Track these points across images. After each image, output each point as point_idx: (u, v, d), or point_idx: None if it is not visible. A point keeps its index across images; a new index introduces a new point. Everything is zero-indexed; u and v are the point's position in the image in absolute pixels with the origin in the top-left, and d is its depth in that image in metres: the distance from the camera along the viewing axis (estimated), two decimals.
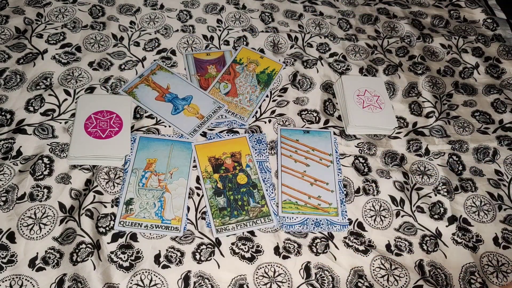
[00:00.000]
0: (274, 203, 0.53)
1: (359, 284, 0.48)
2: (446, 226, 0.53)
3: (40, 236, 0.47)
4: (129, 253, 0.48)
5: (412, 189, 0.56)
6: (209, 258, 0.48)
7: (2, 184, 0.50)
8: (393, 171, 0.57)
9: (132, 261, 0.47)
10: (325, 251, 0.50)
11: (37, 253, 0.46)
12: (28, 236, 0.47)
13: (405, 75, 0.69)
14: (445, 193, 0.56)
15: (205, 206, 0.52)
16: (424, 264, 0.50)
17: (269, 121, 0.60)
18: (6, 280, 0.44)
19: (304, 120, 0.61)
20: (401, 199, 0.55)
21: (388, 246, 0.51)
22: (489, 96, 0.68)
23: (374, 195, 0.55)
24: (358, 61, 0.70)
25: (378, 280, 0.48)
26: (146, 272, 0.47)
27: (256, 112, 0.61)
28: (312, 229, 0.51)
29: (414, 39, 0.75)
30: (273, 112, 0.61)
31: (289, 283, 0.47)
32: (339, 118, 0.63)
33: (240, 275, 0.47)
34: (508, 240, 0.53)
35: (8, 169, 0.52)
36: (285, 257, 0.49)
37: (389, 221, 0.53)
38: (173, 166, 0.54)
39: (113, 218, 0.50)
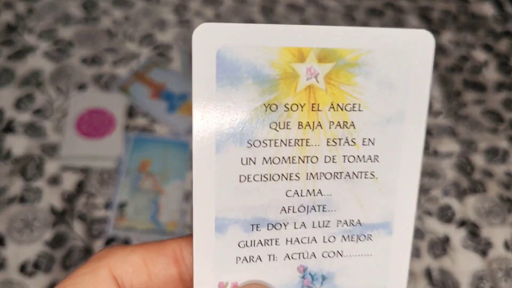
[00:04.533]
0: None
1: None
2: (455, 230, 0.53)
3: (31, 240, 0.48)
4: None
5: (420, 191, 0.56)
6: None
7: None
8: None
9: None
10: None
11: (28, 257, 0.47)
12: (19, 240, 0.48)
13: None
14: (454, 195, 0.56)
15: None
16: (432, 269, 0.50)
17: None
18: None
19: None
20: None
21: None
22: (499, 94, 0.68)
23: None
24: None
25: None
26: None
27: None
28: None
29: None
30: None
31: None
32: None
33: None
34: None
35: None
36: None
37: None
38: (169, 167, 0.54)
39: (106, 221, 0.50)
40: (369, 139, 0.16)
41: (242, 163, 0.15)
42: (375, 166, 0.16)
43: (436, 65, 0.70)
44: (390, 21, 0.76)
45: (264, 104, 0.15)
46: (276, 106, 0.15)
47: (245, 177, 0.15)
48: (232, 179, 0.15)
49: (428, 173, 0.58)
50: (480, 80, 0.70)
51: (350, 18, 0.76)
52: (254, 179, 0.15)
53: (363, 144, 0.16)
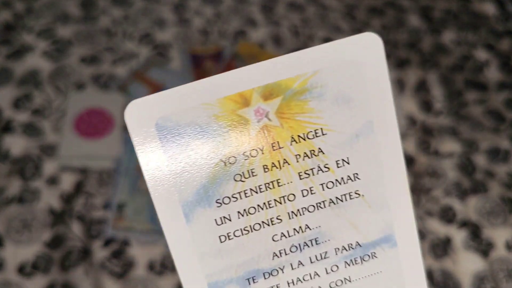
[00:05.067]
0: None
1: None
2: (456, 230, 0.53)
3: (29, 241, 0.48)
4: (122, 259, 0.48)
5: (421, 191, 0.56)
6: None
7: None
8: None
9: (125, 268, 0.47)
10: None
11: (27, 258, 0.47)
12: (17, 241, 0.48)
13: (414, 71, 0.69)
14: (455, 196, 0.56)
15: None
16: (433, 270, 0.50)
17: None
18: None
19: None
20: None
21: None
22: (501, 94, 0.68)
23: None
24: None
25: None
26: (139, 279, 0.47)
27: None
28: None
29: (423, 33, 0.75)
30: None
31: None
32: None
33: None
34: None
35: None
36: None
37: None
38: None
39: (105, 222, 0.50)
40: (343, 160, 0.15)
41: (217, 224, 0.15)
42: (357, 184, 0.15)
43: (437, 65, 0.70)
44: (391, 20, 0.76)
45: (222, 160, 0.14)
46: (235, 157, 0.15)
47: (225, 236, 0.15)
48: (212, 243, 0.15)
49: (429, 173, 0.58)
50: (482, 80, 0.70)
51: (350, 17, 0.76)
52: (235, 235, 0.15)
53: (338, 167, 0.15)
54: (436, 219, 0.54)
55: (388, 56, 0.71)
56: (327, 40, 0.71)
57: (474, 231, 0.54)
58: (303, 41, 0.70)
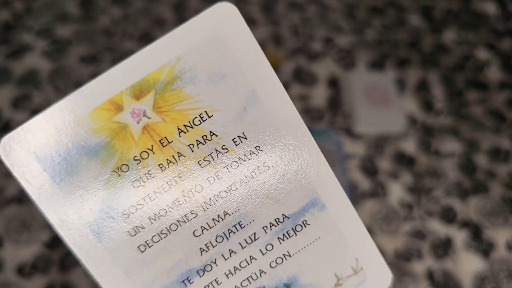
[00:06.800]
0: None
1: None
2: (457, 230, 0.53)
3: (28, 241, 0.48)
4: None
5: (421, 191, 0.57)
6: None
7: None
8: (402, 173, 0.58)
9: None
10: None
11: (26, 258, 0.47)
12: (16, 241, 0.48)
13: (414, 71, 0.70)
14: (456, 196, 0.56)
15: None
16: (433, 270, 0.50)
17: None
18: None
19: (309, 118, 0.62)
20: (410, 202, 0.55)
21: (396, 251, 0.51)
22: (502, 93, 0.68)
23: (382, 198, 0.55)
24: (365, 56, 0.70)
25: None
26: None
27: None
28: None
29: (423, 33, 0.75)
30: None
31: None
32: (345, 116, 0.63)
33: None
34: None
35: None
36: None
37: (397, 225, 0.53)
38: None
39: None
40: (239, 136, 0.15)
41: (132, 235, 0.14)
42: (262, 157, 0.15)
43: (438, 64, 0.70)
44: (392, 20, 0.76)
45: (113, 171, 0.14)
46: (127, 165, 0.14)
47: (144, 245, 0.15)
48: (133, 255, 0.15)
49: (430, 173, 0.58)
50: (483, 80, 0.70)
51: (351, 17, 0.76)
52: (153, 241, 0.14)
53: (236, 144, 0.15)
54: (436, 219, 0.54)
55: (388, 55, 0.71)
56: (327, 39, 0.71)
57: (475, 232, 0.54)
58: (303, 41, 0.70)
